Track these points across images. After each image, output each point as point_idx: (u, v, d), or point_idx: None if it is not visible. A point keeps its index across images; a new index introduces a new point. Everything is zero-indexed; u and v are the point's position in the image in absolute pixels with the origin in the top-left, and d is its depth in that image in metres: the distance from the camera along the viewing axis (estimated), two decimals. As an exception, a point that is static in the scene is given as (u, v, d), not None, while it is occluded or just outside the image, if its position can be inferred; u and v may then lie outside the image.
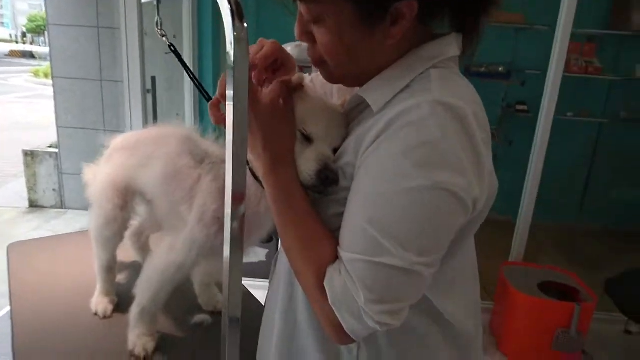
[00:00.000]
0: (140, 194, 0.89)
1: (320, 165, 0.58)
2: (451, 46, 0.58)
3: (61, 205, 3.86)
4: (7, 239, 3.41)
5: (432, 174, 0.49)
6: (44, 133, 5.78)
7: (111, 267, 0.99)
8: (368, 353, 0.63)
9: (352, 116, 0.64)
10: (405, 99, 0.54)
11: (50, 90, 3.62)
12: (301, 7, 0.58)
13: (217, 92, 0.65)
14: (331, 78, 0.63)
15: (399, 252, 0.51)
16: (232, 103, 0.47)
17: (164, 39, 0.77)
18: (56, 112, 3.63)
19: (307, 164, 0.59)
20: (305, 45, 1.52)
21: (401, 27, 0.54)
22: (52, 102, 3.62)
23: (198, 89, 0.76)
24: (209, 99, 0.77)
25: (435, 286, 0.58)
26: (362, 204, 0.54)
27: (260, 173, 0.61)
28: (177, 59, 0.76)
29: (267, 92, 0.60)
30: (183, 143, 0.84)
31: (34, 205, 3.93)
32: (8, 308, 0.96)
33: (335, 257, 0.56)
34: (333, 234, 0.58)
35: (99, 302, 0.96)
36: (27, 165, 3.91)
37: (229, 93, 0.47)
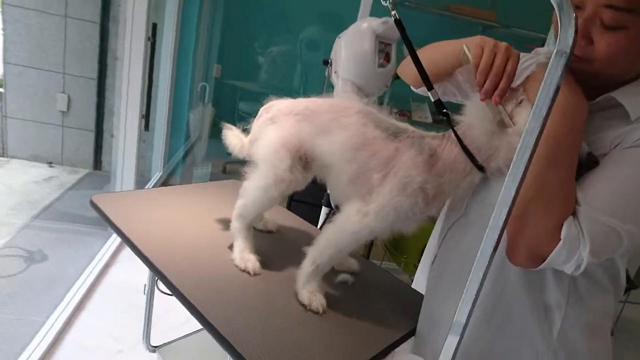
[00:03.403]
0: (310, 158, 0.90)
1: (589, 149, 0.69)
2: None
3: (2, 153, 3.42)
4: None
5: None
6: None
7: (251, 227, 1.00)
8: (575, 306, 0.77)
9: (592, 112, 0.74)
10: None
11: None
12: (605, 13, 0.65)
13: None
14: (590, 75, 0.71)
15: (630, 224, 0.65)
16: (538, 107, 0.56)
17: (393, 12, 0.79)
18: (4, 45, 3.17)
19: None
20: (391, 22, 1.57)
21: None
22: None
23: (419, 70, 0.80)
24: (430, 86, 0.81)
25: None
26: (621, 180, 0.67)
27: (565, 101, 0.67)
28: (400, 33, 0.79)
29: None
30: (365, 116, 0.87)
31: (-34, 150, 3.44)
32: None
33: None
34: None
35: (248, 259, 0.95)
36: (-41, 103, 3.38)
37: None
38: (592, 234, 0.66)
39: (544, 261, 0.69)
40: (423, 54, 0.83)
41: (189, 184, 1.38)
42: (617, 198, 0.67)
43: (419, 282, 1.08)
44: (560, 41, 0.59)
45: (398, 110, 3.01)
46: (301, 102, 0.93)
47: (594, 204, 0.67)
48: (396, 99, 2.89)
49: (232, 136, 1.04)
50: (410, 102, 3.13)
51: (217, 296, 0.86)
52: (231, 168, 3.60)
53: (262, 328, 0.80)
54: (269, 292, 0.91)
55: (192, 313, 0.82)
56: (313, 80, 3.65)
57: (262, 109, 1.00)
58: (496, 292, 0.80)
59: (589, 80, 0.72)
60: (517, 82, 0.93)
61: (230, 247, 1.01)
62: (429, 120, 3.07)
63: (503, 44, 0.74)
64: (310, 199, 2.10)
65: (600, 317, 0.82)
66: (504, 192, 0.63)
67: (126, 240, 1.00)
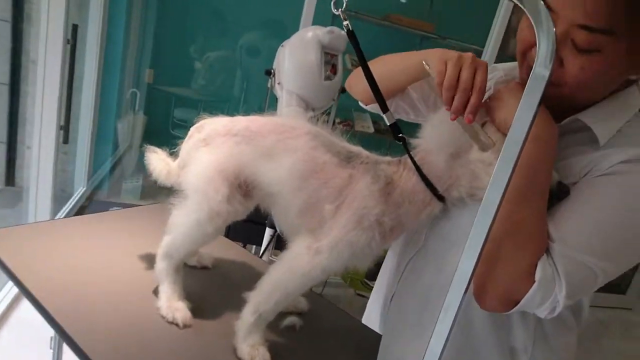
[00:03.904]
0: (252, 186, 0.78)
1: (559, 177, 0.62)
2: None
3: None
4: None
5: None
6: None
7: (181, 267, 0.85)
8: (542, 347, 0.71)
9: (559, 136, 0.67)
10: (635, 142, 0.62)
11: None
12: (579, 34, 0.58)
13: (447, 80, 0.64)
14: (558, 99, 0.64)
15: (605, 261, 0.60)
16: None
17: (345, 22, 0.68)
18: None
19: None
20: (338, 32, 1.48)
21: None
22: None
23: (374, 92, 0.70)
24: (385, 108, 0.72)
25: None
26: (595, 213, 0.61)
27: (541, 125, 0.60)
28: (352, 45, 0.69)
29: None
30: (314, 138, 0.76)
31: None
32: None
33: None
34: None
35: (176, 308, 0.79)
36: None
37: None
38: (568, 273, 0.59)
39: (516, 305, 0.62)
40: (373, 67, 0.74)
41: (105, 212, 1.20)
42: (591, 233, 0.61)
43: (371, 318, 0.99)
44: (538, 61, 0.51)
45: (341, 120, 2.94)
46: (240, 121, 0.81)
47: (568, 240, 0.61)
48: (338, 109, 2.83)
49: (156, 160, 0.89)
50: (353, 112, 3.08)
51: (139, 358, 0.71)
52: (166, 181, 3.35)
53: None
54: (202, 348, 0.77)
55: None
56: (254, 87, 3.50)
57: (192, 129, 0.86)
58: (463, 333, 0.72)
59: (556, 104, 0.66)
60: None
61: (156, 291, 0.86)
62: (371, 130, 3.03)
63: (468, 55, 0.66)
64: (253, 217, 1.96)
65: (564, 357, 0.77)
66: (474, 230, 0.54)
67: (23, 290, 0.81)
